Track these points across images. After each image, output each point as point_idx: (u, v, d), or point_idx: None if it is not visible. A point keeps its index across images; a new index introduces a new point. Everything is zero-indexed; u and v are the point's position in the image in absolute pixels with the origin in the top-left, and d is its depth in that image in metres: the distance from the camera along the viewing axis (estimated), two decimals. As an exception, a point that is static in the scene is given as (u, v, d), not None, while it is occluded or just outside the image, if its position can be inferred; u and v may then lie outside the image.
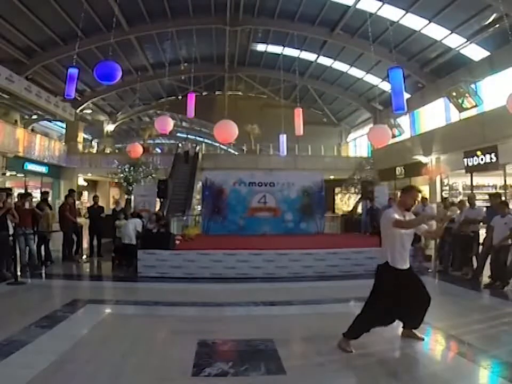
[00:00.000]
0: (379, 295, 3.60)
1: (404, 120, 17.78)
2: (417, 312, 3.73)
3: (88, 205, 11.12)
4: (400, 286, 3.55)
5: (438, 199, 13.95)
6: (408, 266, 3.64)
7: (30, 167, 16.70)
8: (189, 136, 33.20)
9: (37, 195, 12.49)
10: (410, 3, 12.76)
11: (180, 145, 23.59)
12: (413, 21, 13.71)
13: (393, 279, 3.55)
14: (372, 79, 19.06)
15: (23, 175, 16.97)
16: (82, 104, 20.78)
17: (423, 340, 3.76)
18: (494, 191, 12.02)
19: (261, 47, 20.03)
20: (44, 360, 3.25)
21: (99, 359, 3.37)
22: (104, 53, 14.29)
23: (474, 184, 13.49)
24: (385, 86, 17.67)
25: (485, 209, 7.46)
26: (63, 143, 20.26)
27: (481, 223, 7.14)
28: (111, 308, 5.29)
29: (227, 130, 9.85)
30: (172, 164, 18.19)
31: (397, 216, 3.52)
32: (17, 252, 6.87)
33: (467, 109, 12.68)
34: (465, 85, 12.28)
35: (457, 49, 13.90)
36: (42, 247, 8.07)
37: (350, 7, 14.11)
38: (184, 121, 29.01)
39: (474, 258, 7.36)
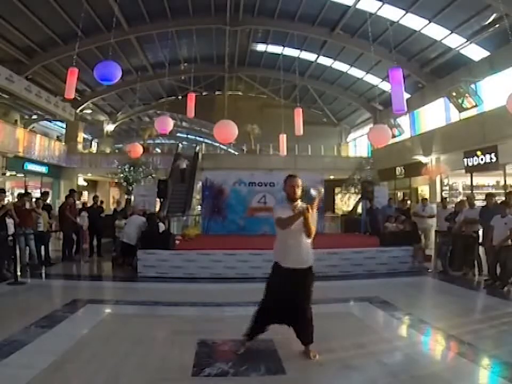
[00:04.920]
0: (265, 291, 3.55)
1: (404, 120, 17.76)
2: (297, 323, 3.49)
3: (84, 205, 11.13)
4: (281, 284, 3.41)
5: (438, 199, 13.94)
6: (300, 266, 3.42)
7: (30, 167, 16.68)
8: (189, 136, 33.19)
9: (37, 195, 12.47)
10: (410, 3, 12.74)
11: (179, 145, 23.60)
12: (413, 21, 13.68)
13: (275, 275, 3.47)
14: (372, 79, 19.04)
15: (23, 175, 16.96)
16: (82, 104, 20.75)
17: (314, 357, 3.38)
18: (495, 191, 11.98)
19: (261, 47, 20.00)
20: (43, 360, 3.25)
21: (99, 359, 3.37)
22: (104, 53, 14.26)
23: (474, 184, 13.49)
24: (385, 86, 17.67)
25: (479, 209, 7.44)
26: (63, 143, 20.26)
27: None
28: (111, 308, 5.29)
29: (227, 130, 9.85)
30: (172, 164, 18.17)
31: (279, 213, 3.31)
32: (17, 251, 6.87)
33: (467, 109, 12.67)
34: (465, 85, 12.28)
35: (457, 49, 13.88)
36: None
37: (350, 7, 14.09)
38: (184, 121, 29.00)
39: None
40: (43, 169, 17.78)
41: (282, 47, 19.08)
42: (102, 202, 16.07)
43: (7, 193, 13.26)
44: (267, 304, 3.49)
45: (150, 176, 17.45)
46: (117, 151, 24.19)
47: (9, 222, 6.91)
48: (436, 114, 16.00)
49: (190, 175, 17.43)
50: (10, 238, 6.75)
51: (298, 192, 3.40)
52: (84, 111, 22.10)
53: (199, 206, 14.23)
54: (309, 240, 3.45)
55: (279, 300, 3.42)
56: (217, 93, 24.65)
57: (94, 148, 24.67)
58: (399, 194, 17.84)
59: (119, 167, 17.20)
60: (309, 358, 3.37)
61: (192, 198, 16.11)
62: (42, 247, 8.10)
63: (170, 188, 13.47)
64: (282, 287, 3.41)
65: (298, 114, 14.50)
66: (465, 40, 13.25)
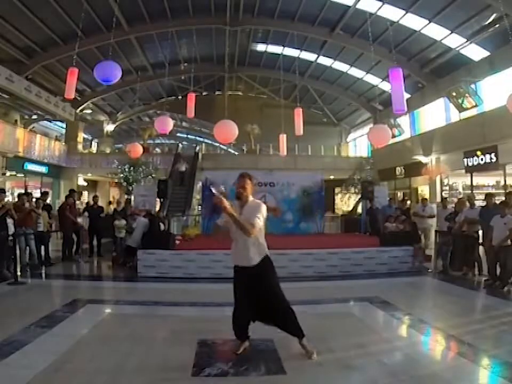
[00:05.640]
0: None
1: (403, 120, 17.75)
2: (276, 319, 3.46)
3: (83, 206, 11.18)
4: (241, 283, 3.45)
5: (438, 199, 13.94)
6: (247, 264, 3.38)
7: (30, 167, 16.68)
8: (189, 136, 33.20)
9: (37, 195, 12.47)
10: (410, 3, 12.74)
11: (179, 145, 23.60)
12: (413, 21, 13.68)
13: (234, 276, 3.54)
14: (372, 79, 19.04)
15: (23, 175, 16.96)
16: (82, 104, 20.74)
17: (312, 353, 3.36)
18: (494, 191, 11.97)
19: (261, 47, 20.00)
20: (44, 360, 3.25)
21: (99, 359, 3.37)
22: (104, 53, 14.28)
23: (474, 184, 13.48)
24: (385, 86, 17.66)
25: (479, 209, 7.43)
26: (63, 143, 20.26)
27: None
28: (111, 308, 5.30)
29: (227, 130, 9.84)
30: (172, 166, 18.17)
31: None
32: (17, 251, 6.87)
33: (467, 109, 12.67)
34: (465, 85, 12.27)
35: (457, 49, 13.88)
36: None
37: (350, 7, 14.08)
38: (184, 121, 29.00)
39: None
40: (43, 169, 17.78)
41: (282, 47, 19.06)
42: (110, 202, 16.10)
43: (7, 193, 13.27)
44: (236, 306, 3.52)
45: (150, 176, 17.45)
46: (117, 151, 24.18)
47: (10, 222, 6.92)
48: (435, 114, 15.99)
49: (190, 175, 17.44)
50: (11, 238, 6.75)
51: (244, 193, 3.40)
52: (84, 111, 22.08)
53: (199, 206, 14.24)
54: (260, 238, 3.39)
55: (244, 301, 3.44)
56: (217, 93, 24.65)
57: (94, 148, 24.68)
58: (399, 194, 17.84)
59: (119, 167, 17.19)
60: (307, 354, 3.34)
61: (192, 198, 16.11)
62: (42, 247, 8.10)
63: (170, 188, 13.56)
64: (242, 287, 3.45)
65: (298, 114, 14.50)
66: (465, 40, 13.24)
